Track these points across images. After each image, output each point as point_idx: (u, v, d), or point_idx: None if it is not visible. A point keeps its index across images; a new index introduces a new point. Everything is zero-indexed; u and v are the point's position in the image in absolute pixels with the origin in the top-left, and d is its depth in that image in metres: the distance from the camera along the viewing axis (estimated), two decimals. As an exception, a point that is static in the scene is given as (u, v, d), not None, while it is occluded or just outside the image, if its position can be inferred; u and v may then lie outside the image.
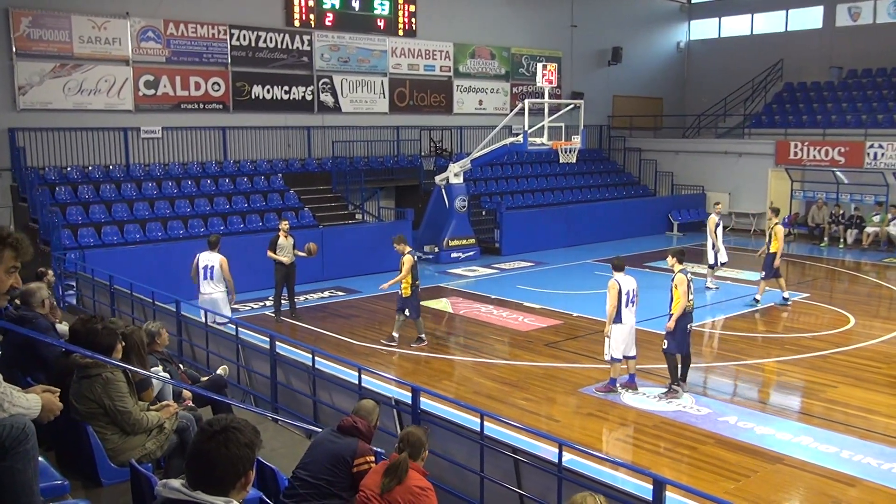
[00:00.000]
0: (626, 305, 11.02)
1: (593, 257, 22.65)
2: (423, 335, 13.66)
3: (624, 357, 11.11)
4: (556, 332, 14.64)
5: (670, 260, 11.42)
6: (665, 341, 11.04)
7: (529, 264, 21.77)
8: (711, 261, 18.08)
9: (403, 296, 13.48)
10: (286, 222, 15.61)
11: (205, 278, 12.86)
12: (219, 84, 21.36)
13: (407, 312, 13.56)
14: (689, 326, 11.09)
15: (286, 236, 15.31)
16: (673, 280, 11.12)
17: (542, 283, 19.25)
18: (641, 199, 28.80)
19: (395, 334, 13.69)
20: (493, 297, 17.64)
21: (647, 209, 27.67)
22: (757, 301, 16.42)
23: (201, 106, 21.13)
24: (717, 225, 17.92)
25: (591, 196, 27.98)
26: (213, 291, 12.95)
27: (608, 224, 25.89)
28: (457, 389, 11.62)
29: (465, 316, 16.03)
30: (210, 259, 12.94)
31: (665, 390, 11.04)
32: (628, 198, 28.56)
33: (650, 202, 28.47)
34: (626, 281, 11.11)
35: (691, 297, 11.05)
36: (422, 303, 17.04)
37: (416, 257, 13.47)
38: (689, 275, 11.11)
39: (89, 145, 19.41)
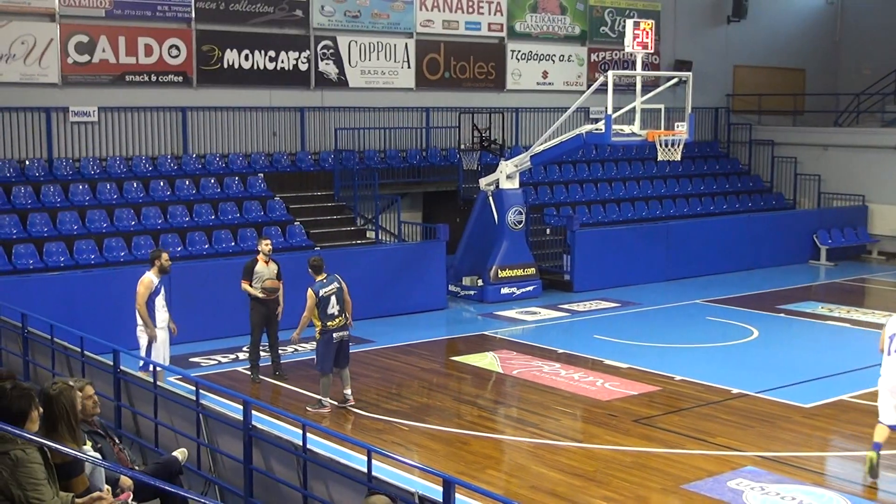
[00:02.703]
0: (889, 352, 11.52)
1: (704, 296, 22.48)
2: (324, 399, 14.05)
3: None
4: (650, 403, 14.52)
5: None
6: None
7: (613, 305, 21.69)
8: None
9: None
10: (268, 241, 15.72)
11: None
12: (178, 48, 21.65)
13: (314, 362, 14.18)
14: None
15: (267, 261, 15.41)
16: None
17: (632, 332, 19.12)
18: (774, 212, 28.51)
19: (324, 399, 14.10)
20: (561, 351, 17.56)
21: (782, 228, 27.41)
22: None
23: (154, 78, 21.39)
24: None
25: (702, 208, 27.78)
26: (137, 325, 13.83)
27: (725, 248, 25.67)
28: (507, 483, 11.54)
29: (519, 378, 15.98)
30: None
31: None
32: (755, 211, 28.30)
33: (786, 218, 28.20)
34: None
35: None
36: (458, 358, 17.13)
37: (322, 291, 13.86)
38: None
39: (-2, 132, 19.78)
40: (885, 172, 28.49)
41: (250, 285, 15.26)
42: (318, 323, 13.87)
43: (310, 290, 13.85)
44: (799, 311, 20.78)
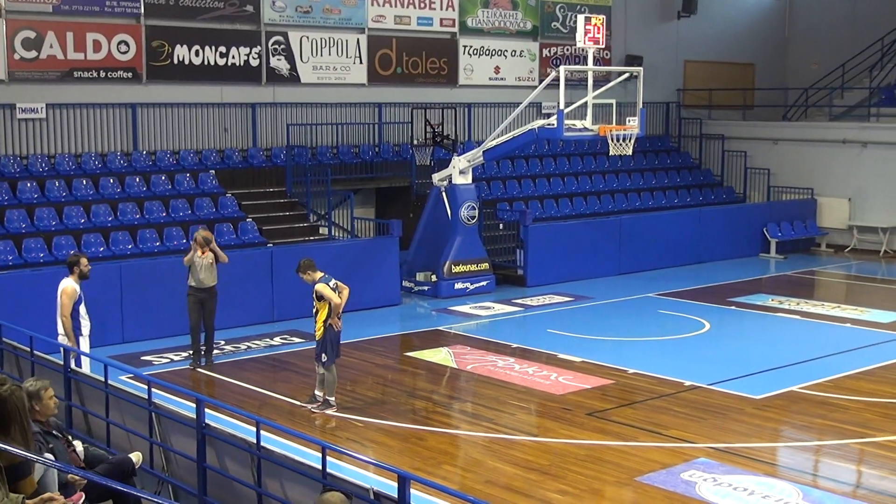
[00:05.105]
0: None
1: (656, 290, 22.63)
2: (332, 398, 13.92)
3: None
4: (603, 397, 14.60)
5: None
6: None
7: (565, 299, 21.79)
8: None
9: (317, 337, 13.89)
10: (206, 232, 15.85)
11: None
12: (127, 43, 21.46)
13: (324, 358, 13.87)
14: None
15: (203, 251, 15.52)
16: None
17: (584, 326, 19.22)
18: (724, 206, 28.82)
19: (318, 393, 13.97)
20: (515, 345, 17.61)
21: (733, 221, 27.67)
22: None
23: (102, 74, 21.20)
24: None
25: (654, 202, 28.00)
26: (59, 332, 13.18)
27: (677, 242, 25.88)
28: (463, 478, 11.57)
29: (473, 373, 16.00)
30: None
31: None
32: (706, 205, 28.58)
33: (737, 211, 28.49)
34: None
35: None
36: (413, 353, 17.13)
37: (331, 283, 13.86)
38: None
39: (-57, 129, 19.49)
40: (833, 166, 28.87)
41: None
42: (324, 315, 13.66)
43: (321, 285, 13.66)
44: (750, 304, 21.00)
